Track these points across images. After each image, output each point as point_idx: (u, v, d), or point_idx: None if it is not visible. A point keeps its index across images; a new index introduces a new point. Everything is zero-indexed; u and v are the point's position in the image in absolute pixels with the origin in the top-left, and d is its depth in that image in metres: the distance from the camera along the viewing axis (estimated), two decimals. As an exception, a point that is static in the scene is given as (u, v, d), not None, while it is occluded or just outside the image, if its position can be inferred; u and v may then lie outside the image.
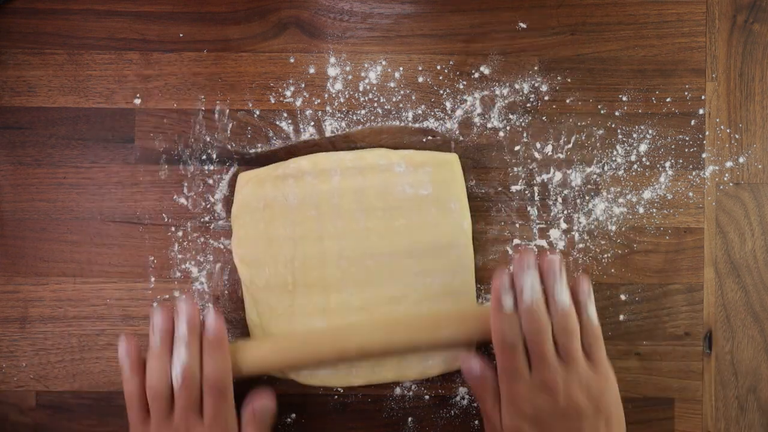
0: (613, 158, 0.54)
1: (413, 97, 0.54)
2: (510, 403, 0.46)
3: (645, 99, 0.54)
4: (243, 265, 0.52)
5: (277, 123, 0.54)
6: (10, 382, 0.53)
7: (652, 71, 0.54)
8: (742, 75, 0.54)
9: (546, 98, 0.54)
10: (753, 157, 0.54)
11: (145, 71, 0.54)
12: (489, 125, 0.54)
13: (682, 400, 0.53)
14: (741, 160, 0.54)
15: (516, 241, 0.53)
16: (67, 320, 0.53)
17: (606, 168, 0.54)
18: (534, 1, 0.54)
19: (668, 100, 0.54)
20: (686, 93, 0.54)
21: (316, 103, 0.54)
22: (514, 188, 0.54)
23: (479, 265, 0.53)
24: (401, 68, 0.54)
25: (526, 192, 0.54)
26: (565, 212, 0.53)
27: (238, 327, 0.53)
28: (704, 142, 0.54)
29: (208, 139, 0.53)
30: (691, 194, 0.54)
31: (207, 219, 0.53)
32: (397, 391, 0.53)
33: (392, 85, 0.54)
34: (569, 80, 0.54)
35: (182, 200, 0.53)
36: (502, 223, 0.53)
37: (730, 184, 0.54)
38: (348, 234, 0.51)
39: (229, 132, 0.53)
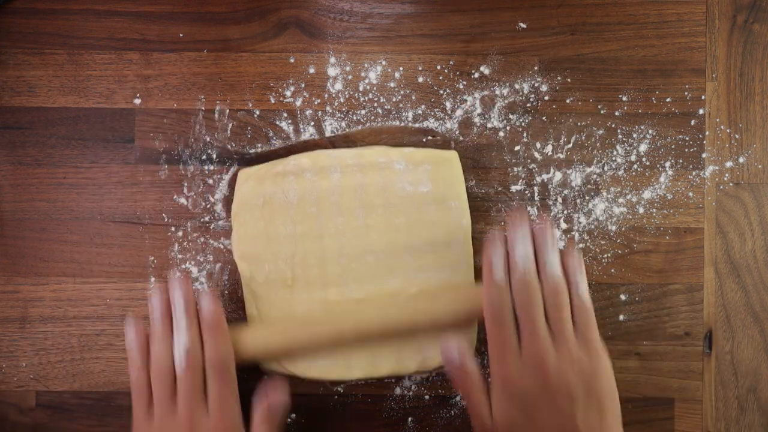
0: (613, 158, 0.54)
1: (413, 97, 0.54)
2: (500, 385, 0.44)
3: (645, 99, 0.54)
4: (243, 262, 0.52)
5: (277, 123, 0.54)
6: (10, 382, 0.53)
7: (652, 71, 0.54)
8: (742, 75, 0.54)
9: (546, 98, 0.54)
10: (753, 157, 0.54)
11: (145, 71, 0.54)
12: (489, 125, 0.54)
13: (682, 400, 0.53)
14: (741, 160, 0.54)
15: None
16: (67, 320, 0.53)
17: (606, 168, 0.54)
18: (534, 1, 0.54)
19: (668, 100, 0.54)
20: (686, 93, 0.54)
21: (316, 103, 0.54)
22: (514, 188, 0.54)
23: (479, 265, 0.53)
24: (401, 68, 0.54)
25: (526, 192, 0.54)
26: (565, 212, 0.53)
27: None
28: (704, 142, 0.54)
29: (208, 139, 0.53)
30: (691, 194, 0.54)
31: (207, 219, 0.53)
32: (397, 391, 0.53)
33: (392, 85, 0.54)
34: (569, 80, 0.54)
35: (182, 200, 0.53)
36: (502, 223, 0.53)
37: (730, 184, 0.54)
38: (348, 231, 0.51)
39: (229, 132, 0.53)
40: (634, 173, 0.54)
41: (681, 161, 0.54)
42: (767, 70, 0.54)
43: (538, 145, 0.54)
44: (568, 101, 0.54)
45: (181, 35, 0.54)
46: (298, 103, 0.54)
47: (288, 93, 0.54)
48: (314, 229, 0.51)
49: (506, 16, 0.54)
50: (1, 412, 0.53)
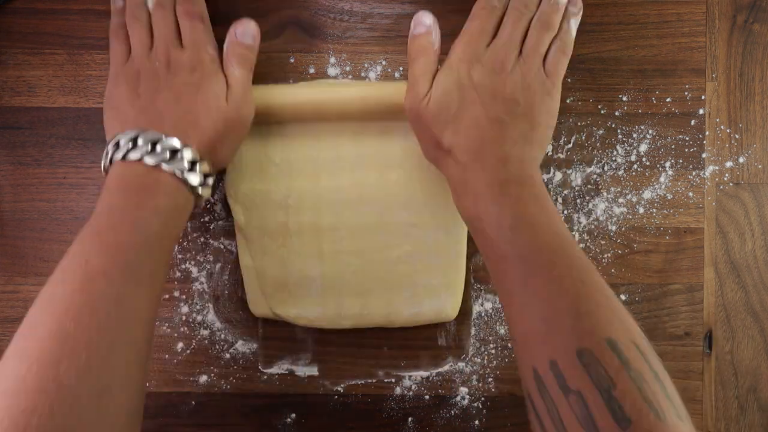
0: (613, 158, 0.54)
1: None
2: (454, 63, 0.46)
3: (645, 99, 0.54)
4: (237, 205, 0.51)
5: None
6: (10, 382, 0.53)
7: (652, 71, 0.54)
8: (742, 75, 0.54)
9: (546, 98, 0.54)
10: (753, 157, 0.54)
11: (145, 71, 0.54)
12: (489, 125, 0.54)
13: (682, 400, 0.53)
14: (741, 160, 0.54)
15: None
16: (67, 320, 0.53)
17: (606, 168, 0.54)
18: (534, 1, 0.54)
19: (668, 100, 0.54)
20: (686, 93, 0.54)
21: (316, 103, 0.54)
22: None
23: (479, 265, 0.53)
24: (401, 68, 0.54)
25: (526, 192, 0.54)
26: (565, 212, 0.53)
27: (239, 327, 0.53)
28: (704, 142, 0.54)
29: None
30: (691, 194, 0.54)
31: (207, 219, 0.53)
32: (397, 391, 0.53)
33: (392, 85, 0.54)
34: (569, 80, 0.54)
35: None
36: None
37: (730, 184, 0.54)
38: (344, 178, 0.51)
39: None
40: (634, 173, 0.54)
41: (681, 161, 0.54)
42: (767, 70, 0.54)
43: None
44: (568, 101, 0.54)
45: (181, 35, 0.54)
46: (298, 103, 0.54)
47: (288, 93, 0.54)
48: (310, 169, 0.51)
49: (506, 16, 0.54)
50: (1, 412, 0.53)
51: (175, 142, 0.43)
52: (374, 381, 0.53)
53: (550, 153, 0.54)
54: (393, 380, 0.53)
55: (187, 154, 0.43)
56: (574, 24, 0.48)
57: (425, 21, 0.47)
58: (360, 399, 0.53)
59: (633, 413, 0.33)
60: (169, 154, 0.42)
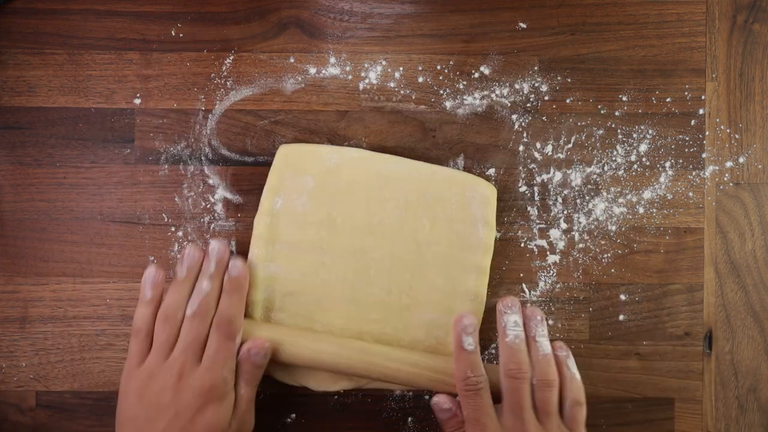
0: (613, 158, 0.54)
1: (413, 97, 0.54)
2: None
3: (645, 99, 0.54)
4: (260, 241, 0.51)
5: (278, 122, 0.54)
6: (10, 382, 0.53)
7: (652, 71, 0.54)
8: (742, 75, 0.54)
9: (546, 98, 0.54)
10: (753, 157, 0.54)
11: (145, 71, 0.54)
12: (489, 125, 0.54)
13: (682, 400, 0.53)
14: (741, 160, 0.54)
15: (521, 237, 0.53)
16: (67, 320, 0.53)
17: (606, 168, 0.54)
18: (534, 1, 0.54)
19: (668, 100, 0.54)
20: (686, 93, 0.54)
21: (316, 103, 0.54)
22: (514, 188, 0.53)
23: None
24: (401, 68, 0.54)
25: (526, 192, 0.54)
26: (565, 212, 0.53)
27: (238, 327, 0.53)
28: (704, 142, 0.54)
29: (208, 139, 0.53)
30: (691, 194, 0.54)
31: (207, 219, 0.53)
32: (397, 391, 0.53)
33: (392, 85, 0.54)
34: (569, 80, 0.54)
35: (182, 200, 0.53)
36: (503, 224, 0.53)
37: (730, 184, 0.54)
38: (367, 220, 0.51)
39: (229, 132, 0.53)
40: (634, 173, 0.54)
41: (681, 161, 0.54)
42: (767, 70, 0.54)
43: (538, 145, 0.54)
44: (568, 101, 0.54)
45: (181, 35, 0.54)
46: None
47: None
48: (341, 221, 0.51)
49: (506, 16, 0.54)
50: (1, 412, 0.53)
51: None
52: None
53: (550, 153, 0.54)
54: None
55: None
56: (572, 366, 0.47)
57: (442, 403, 0.48)
58: (360, 399, 0.53)
59: None
60: None
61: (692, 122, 0.54)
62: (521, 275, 0.53)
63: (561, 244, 0.53)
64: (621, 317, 0.53)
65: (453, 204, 0.51)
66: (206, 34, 0.54)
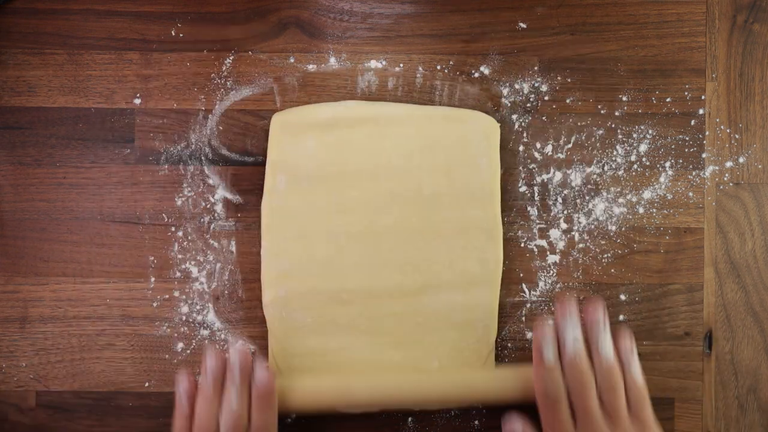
0: (613, 158, 0.54)
1: (413, 97, 0.54)
2: None
3: (645, 99, 0.54)
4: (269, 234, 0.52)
5: (277, 123, 0.54)
6: (10, 382, 0.53)
7: (652, 71, 0.54)
8: (742, 75, 0.54)
9: (546, 98, 0.54)
10: (753, 157, 0.54)
11: (145, 71, 0.54)
12: (489, 125, 0.54)
13: (682, 400, 0.53)
14: (741, 160, 0.54)
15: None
16: (67, 320, 0.53)
17: (606, 168, 0.54)
18: (534, 1, 0.54)
19: (668, 100, 0.54)
20: (686, 93, 0.54)
21: (316, 103, 0.54)
22: (514, 188, 0.53)
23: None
24: (401, 64, 0.54)
25: (526, 192, 0.54)
26: (565, 212, 0.53)
27: (238, 327, 0.53)
28: (704, 142, 0.54)
29: (208, 139, 0.53)
30: (691, 194, 0.54)
31: (207, 219, 0.53)
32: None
33: (392, 85, 0.54)
34: (569, 80, 0.54)
35: (182, 200, 0.53)
36: (503, 224, 0.53)
37: (730, 184, 0.54)
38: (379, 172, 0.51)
39: (229, 132, 0.53)
40: (634, 173, 0.54)
41: (681, 161, 0.54)
42: (767, 70, 0.54)
43: (538, 145, 0.54)
44: (568, 101, 0.54)
45: (181, 35, 0.54)
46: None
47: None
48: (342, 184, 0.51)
49: (506, 16, 0.54)
50: (1, 412, 0.53)
51: None
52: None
53: (550, 153, 0.54)
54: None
55: None
56: (635, 364, 0.46)
57: (516, 429, 0.47)
58: (360, 399, 0.53)
59: None
60: None
61: (692, 122, 0.54)
62: (521, 275, 0.53)
63: (561, 244, 0.53)
64: (621, 317, 0.53)
65: (454, 146, 0.51)
66: (206, 34, 0.54)
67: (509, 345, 0.53)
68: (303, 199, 0.51)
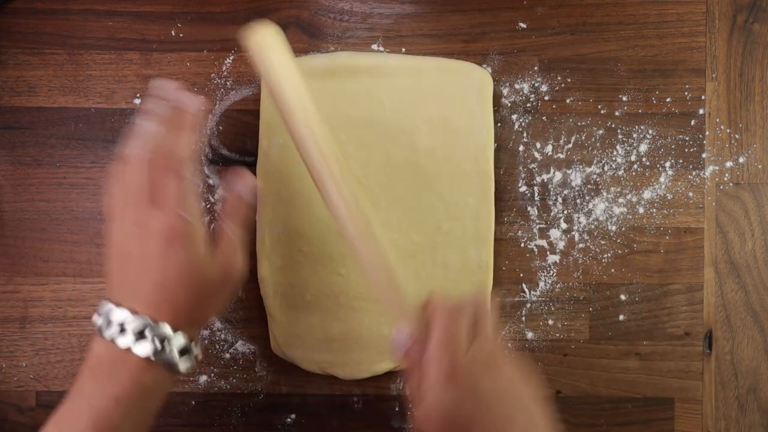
0: (613, 158, 0.54)
1: (413, 97, 0.54)
2: (449, 375, 0.40)
3: (645, 99, 0.54)
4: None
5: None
6: (10, 382, 0.53)
7: (652, 71, 0.54)
8: (742, 75, 0.54)
9: (546, 98, 0.54)
10: (753, 157, 0.54)
11: (145, 71, 0.54)
12: (489, 125, 0.54)
13: (682, 400, 0.53)
14: (741, 160, 0.54)
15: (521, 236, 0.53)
16: (67, 320, 0.53)
17: (606, 168, 0.54)
18: (534, 1, 0.54)
19: (668, 100, 0.54)
20: (686, 93, 0.54)
21: (316, 103, 0.54)
22: (514, 188, 0.53)
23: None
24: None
25: (526, 192, 0.54)
26: (565, 212, 0.53)
27: (239, 327, 0.53)
28: (704, 142, 0.54)
29: (208, 139, 0.53)
30: (691, 194, 0.54)
31: (207, 219, 0.53)
32: (397, 391, 0.53)
33: (392, 85, 0.54)
34: (569, 80, 0.54)
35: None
36: (503, 224, 0.53)
37: (730, 184, 0.54)
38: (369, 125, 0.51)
39: (229, 132, 0.53)
40: (634, 173, 0.54)
41: (681, 161, 0.54)
42: (767, 70, 0.54)
43: (538, 145, 0.54)
44: (568, 101, 0.54)
45: (181, 35, 0.54)
46: (298, 103, 0.54)
47: (288, 93, 0.54)
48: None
49: (506, 16, 0.54)
50: (1, 412, 0.53)
51: (144, 321, 0.38)
52: (374, 382, 0.53)
53: (550, 153, 0.54)
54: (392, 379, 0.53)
55: (157, 333, 0.39)
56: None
57: (402, 338, 0.43)
58: (360, 399, 0.53)
59: None
60: (137, 334, 0.38)
61: (692, 122, 0.54)
62: (521, 275, 0.53)
63: (561, 244, 0.53)
64: (621, 317, 0.53)
65: (448, 98, 0.51)
66: (206, 34, 0.54)
67: (509, 345, 0.53)
68: (297, 161, 0.50)
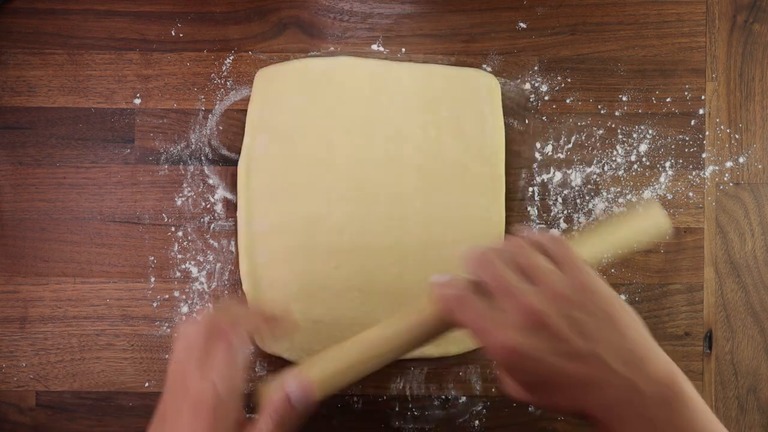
0: (613, 158, 0.54)
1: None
2: (511, 318, 0.37)
3: (645, 99, 0.54)
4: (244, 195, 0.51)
5: (277, 123, 0.54)
6: (10, 382, 0.53)
7: (652, 71, 0.54)
8: (742, 75, 0.54)
9: (546, 98, 0.54)
10: (753, 157, 0.54)
11: (145, 71, 0.54)
12: (489, 125, 0.54)
13: (682, 400, 0.53)
14: (741, 160, 0.54)
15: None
16: (67, 320, 0.53)
17: (606, 168, 0.54)
18: (534, 1, 0.54)
19: (668, 100, 0.54)
20: (686, 93, 0.54)
21: (316, 103, 0.54)
22: (514, 188, 0.53)
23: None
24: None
25: (527, 192, 0.54)
26: (565, 212, 0.53)
27: (238, 327, 0.53)
28: (704, 142, 0.54)
29: (208, 139, 0.53)
30: (691, 194, 0.54)
31: (207, 219, 0.53)
32: (397, 391, 0.53)
33: (392, 85, 0.54)
34: (569, 80, 0.54)
35: (182, 200, 0.53)
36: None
37: (730, 184, 0.54)
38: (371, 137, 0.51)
39: (229, 132, 0.53)
40: (634, 173, 0.54)
41: (681, 161, 0.54)
42: (767, 70, 0.54)
43: (538, 145, 0.54)
44: (568, 101, 0.54)
45: (181, 35, 0.54)
46: (298, 103, 0.54)
47: (288, 93, 0.54)
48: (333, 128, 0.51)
49: (506, 16, 0.54)
50: (1, 412, 0.53)
51: None
52: (374, 381, 0.53)
53: (550, 153, 0.54)
54: (397, 379, 0.53)
55: None
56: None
57: (441, 279, 0.40)
58: (360, 399, 0.53)
59: None
60: None
61: (692, 122, 0.54)
62: (521, 275, 0.53)
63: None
64: (621, 317, 0.53)
65: (456, 102, 0.51)
66: (206, 34, 0.54)
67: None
68: (286, 158, 0.51)
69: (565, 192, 0.53)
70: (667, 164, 0.54)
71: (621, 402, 0.37)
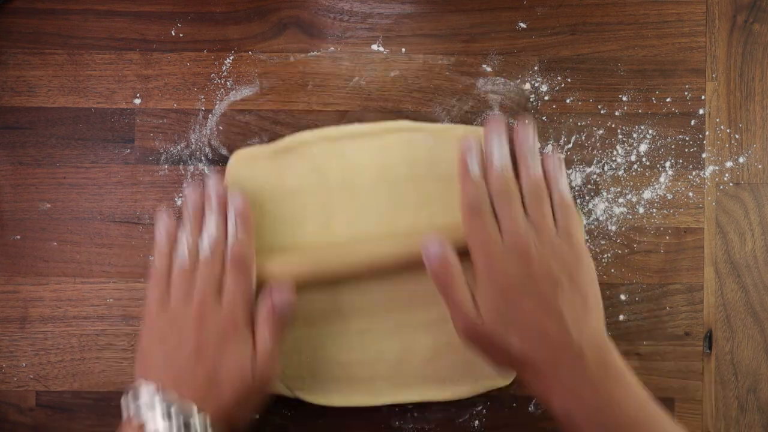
0: (613, 158, 0.54)
1: (413, 97, 0.54)
2: (484, 275, 0.44)
3: (645, 99, 0.54)
4: None
5: (278, 123, 0.54)
6: (10, 382, 0.53)
7: (652, 71, 0.54)
8: (742, 75, 0.54)
9: (546, 98, 0.54)
10: (753, 157, 0.54)
11: (145, 71, 0.54)
12: (489, 125, 0.54)
13: (682, 400, 0.53)
14: (741, 160, 0.54)
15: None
16: (67, 320, 0.53)
17: (606, 168, 0.54)
18: (534, 1, 0.54)
19: (668, 100, 0.54)
20: (686, 93, 0.54)
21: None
22: (514, 188, 0.54)
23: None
24: (401, 68, 0.54)
25: (526, 192, 0.54)
26: (565, 212, 0.53)
27: (238, 327, 0.53)
28: (704, 142, 0.54)
29: (208, 139, 0.53)
30: (691, 194, 0.54)
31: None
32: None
33: (392, 85, 0.54)
34: (569, 80, 0.54)
35: (182, 200, 0.53)
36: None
37: (730, 184, 0.54)
38: (363, 211, 0.51)
39: (229, 132, 0.53)
40: (634, 173, 0.54)
41: (681, 161, 0.54)
42: (767, 70, 0.54)
43: (538, 145, 0.54)
44: (568, 101, 0.54)
45: (181, 35, 0.54)
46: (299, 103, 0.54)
47: (288, 93, 0.54)
48: (318, 214, 0.51)
49: (506, 16, 0.54)
50: (1, 412, 0.53)
51: (192, 410, 0.41)
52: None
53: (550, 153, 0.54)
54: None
55: (199, 423, 0.41)
56: (562, 180, 0.47)
57: (434, 249, 0.45)
58: (360, 399, 0.53)
59: None
60: (183, 423, 0.41)
61: (692, 122, 0.54)
62: (521, 275, 0.53)
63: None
64: (621, 317, 0.53)
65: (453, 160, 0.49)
66: (206, 34, 0.54)
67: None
68: (265, 180, 0.51)
69: (565, 192, 0.53)
70: (667, 164, 0.54)
71: (563, 357, 0.42)
